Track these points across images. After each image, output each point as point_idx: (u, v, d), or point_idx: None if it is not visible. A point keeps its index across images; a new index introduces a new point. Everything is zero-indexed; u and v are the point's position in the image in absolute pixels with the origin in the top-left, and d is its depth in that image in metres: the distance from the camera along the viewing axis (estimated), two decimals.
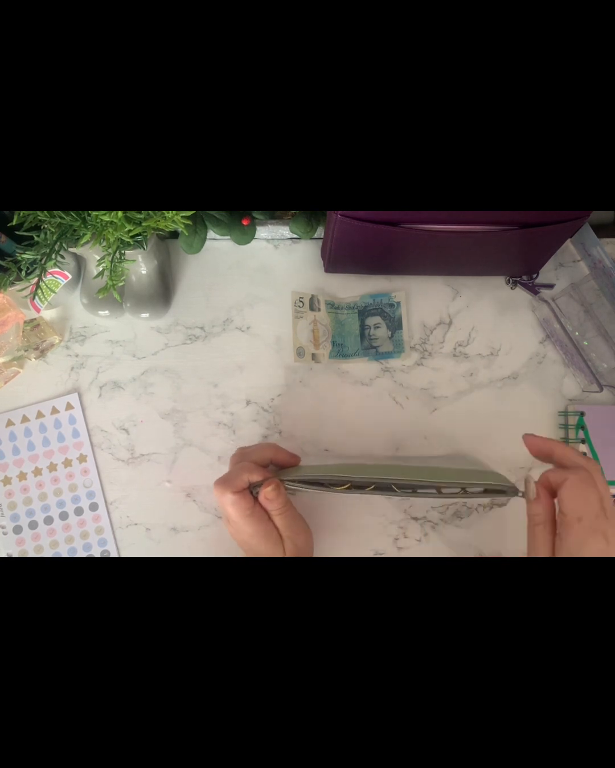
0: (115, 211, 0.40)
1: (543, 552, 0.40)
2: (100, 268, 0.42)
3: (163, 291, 0.55)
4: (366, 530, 0.54)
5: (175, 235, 0.57)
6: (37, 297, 0.47)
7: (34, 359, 0.55)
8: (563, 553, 0.38)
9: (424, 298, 0.58)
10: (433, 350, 0.57)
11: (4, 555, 0.53)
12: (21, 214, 0.42)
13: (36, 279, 0.45)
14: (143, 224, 0.42)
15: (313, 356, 0.56)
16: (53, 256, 0.42)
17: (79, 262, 0.55)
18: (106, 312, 0.54)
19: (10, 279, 0.46)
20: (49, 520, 0.53)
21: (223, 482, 0.43)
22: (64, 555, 0.53)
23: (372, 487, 0.43)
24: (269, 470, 0.46)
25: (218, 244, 0.58)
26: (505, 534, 0.54)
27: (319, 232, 0.57)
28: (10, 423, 0.54)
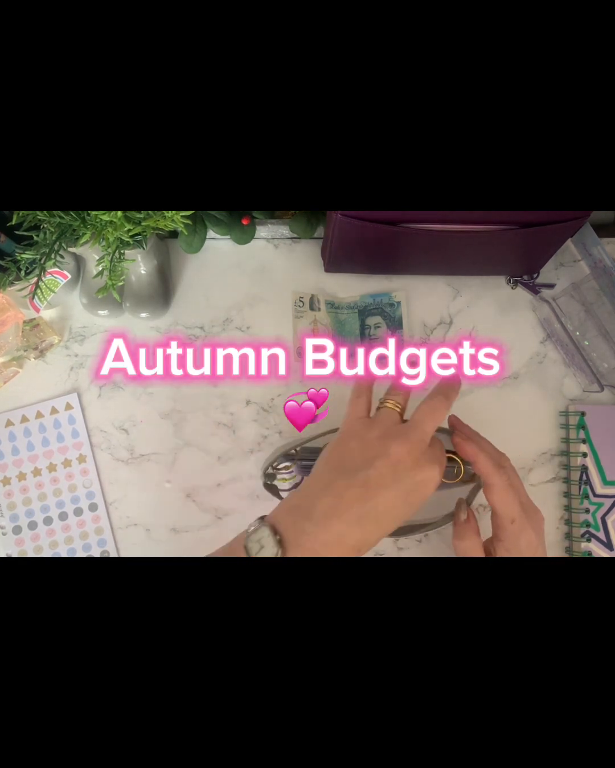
0: (114, 211, 0.40)
1: (475, 550, 0.44)
2: (100, 268, 0.42)
3: (162, 291, 0.55)
4: None
5: (174, 234, 0.57)
6: (36, 297, 0.47)
7: (33, 359, 0.55)
8: (502, 551, 0.42)
9: (425, 298, 0.58)
10: None
11: (3, 555, 0.53)
12: (20, 213, 0.42)
13: (35, 279, 0.45)
14: (143, 224, 0.42)
15: None
16: (53, 255, 0.42)
17: (79, 261, 0.55)
18: (106, 312, 0.54)
19: (10, 279, 0.46)
20: (48, 521, 0.53)
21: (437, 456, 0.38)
22: (64, 555, 0.53)
23: None
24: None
25: (218, 244, 0.58)
26: None
27: (319, 231, 0.56)
28: (9, 423, 0.54)
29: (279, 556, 0.33)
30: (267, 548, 0.33)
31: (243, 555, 0.34)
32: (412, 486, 0.36)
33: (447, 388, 0.40)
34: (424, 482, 0.36)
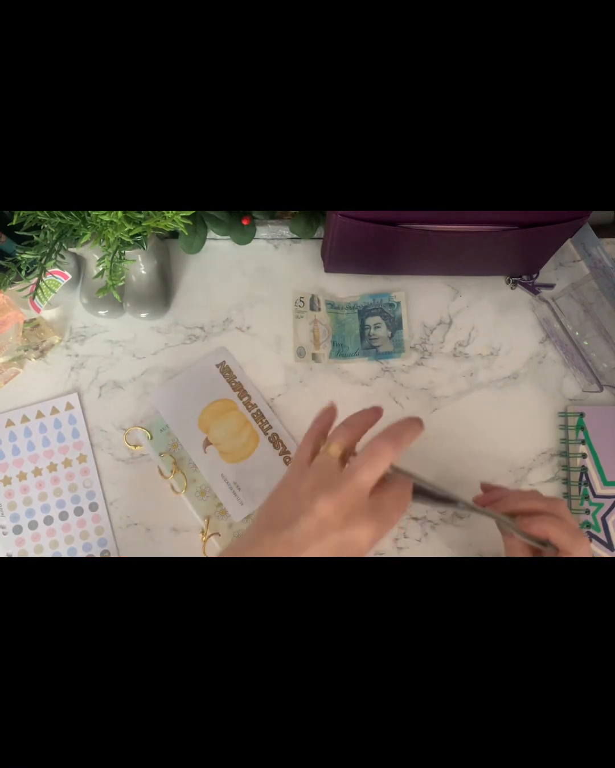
0: (115, 211, 0.40)
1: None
2: (100, 268, 0.42)
3: (162, 291, 0.55)
4: None
5: (175, 234, 0.57)
6: (37, 297, 0.47)
7: (34, 359, 0.55)
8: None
9: (424, 298, 0.58)
10: (433, 350, 0.57)
11: (4, 555, 0.53)
12: (21, 213, 0.42)
13: (36, 279, 0.45)
14: (143, 224, 0.42)
15: (314, 356, 0.56)
16: (53, 255, 0.42)
17: (79, 261, 0.55)
18: (106, 312, 0.54)
19: (10, 279, 0.46)
20: (48, 520, 0.53)
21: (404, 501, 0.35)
22: (64, 555, 0.53)
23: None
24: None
25: (218, 244, 0.58)
26: None
27: (319, 231, 0.57)
28: (9, 423, 0.54)
29: None
30: None
31: None
32: (340, 544, 0.33)
33: (401, 429, 0.35)
34: (355, 541, 0.33)
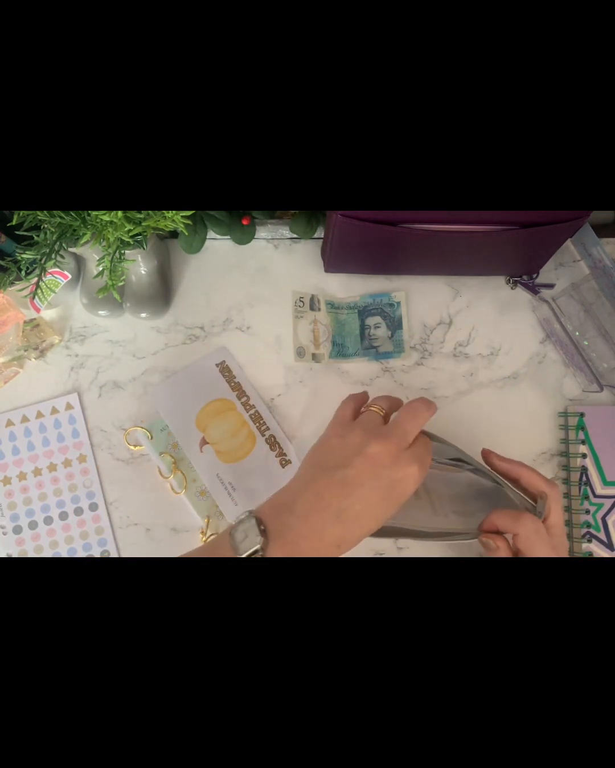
0: (115, 211, 0.40)
1: None
2: (100, 268, 0.42)
3: (162, 291, 0.55)
4: None
5: (174, 234, 0.57)
6: (36, 297, 0.47)
7: (34, 359, 0.55)
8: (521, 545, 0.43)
9: (424, 298, 0.58)
10: (433, 350, 0.57)
11: (4, 555, 0.53)
12: (21, 213, 0.42)
13: (36, 279, 0.45)
14: (143, 224, 0.42)
15: (314, 356, 0.56)
16: (53, 255, 0.42)
17: (79, 261, 0.55)
18: (106, 312, 0.54)
19: (10, 279, 0.46)
20: (48, 521, 0.53)
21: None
22: (64, 555, 0.53)
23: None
24: None
25: (218, 244, 0.58)
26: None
27: (319, 231, 0.57)
28: (9, 423, 0.54)
29: (261, 545, 0.34)
30: (251, 538, 0.35)
31: (227, 546, 0.35)
32: (391, 484, 0.36)
33: (427, 399, 0.42)
34: (403, 480, 0.37)
